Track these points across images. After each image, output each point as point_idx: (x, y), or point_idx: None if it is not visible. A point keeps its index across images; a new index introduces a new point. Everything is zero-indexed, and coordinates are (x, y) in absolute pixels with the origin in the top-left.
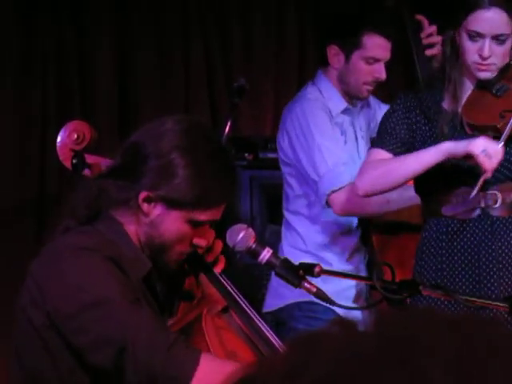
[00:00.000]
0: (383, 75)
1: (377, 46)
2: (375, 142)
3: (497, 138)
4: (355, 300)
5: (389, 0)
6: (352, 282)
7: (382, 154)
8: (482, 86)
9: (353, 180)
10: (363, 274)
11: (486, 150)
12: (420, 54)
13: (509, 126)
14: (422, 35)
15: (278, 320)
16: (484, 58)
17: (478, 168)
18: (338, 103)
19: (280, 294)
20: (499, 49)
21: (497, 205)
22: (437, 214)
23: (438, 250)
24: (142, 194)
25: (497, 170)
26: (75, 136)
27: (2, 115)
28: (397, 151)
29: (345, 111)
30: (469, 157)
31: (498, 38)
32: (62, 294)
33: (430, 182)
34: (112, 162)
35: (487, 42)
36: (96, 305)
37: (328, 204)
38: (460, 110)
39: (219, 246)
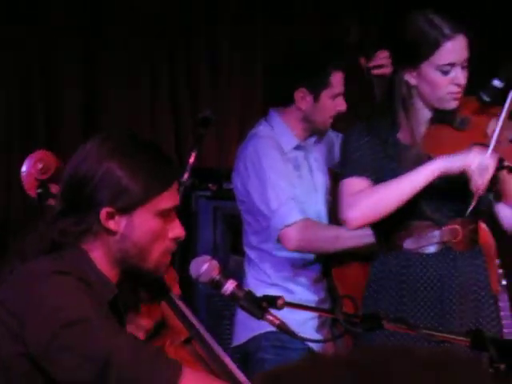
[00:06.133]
0: (345, 107)
1: (340, 81)
2: (345, 173)
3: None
4: (320, 329)
5: (352, 36)
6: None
7: (359, 182)
8: (438, 120)
9: (304, 216)
10: (328, 303)
11: (481, 165)
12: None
13: (496, 132)
14: (369, 65)
15: (246, 352)
16: (460, 86)
17: (439, 201)
18: (290, 140)
19: (247, 326)
20: (464, 73)
21: (458, 239)
22: (397, 248)
23: (399, 285)
24: (102, 214)
25: (461, 207)
26: (40, 166)
27: None
28: (370, 174)
29: (297, 147)
30: (463, 172)
31: (464, 65)
32: (42, 318)
33: (388, 216)
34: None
35: (459, 69)
36: (75, 323)
37: (279, 239)
38: (421, 146)
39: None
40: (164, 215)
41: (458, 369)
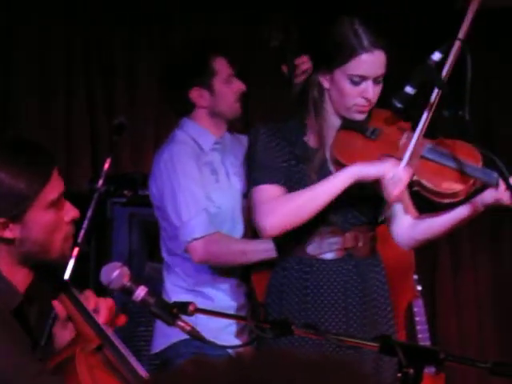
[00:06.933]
0: (243, 86)
1: (225, 64)
2: (256, 180)
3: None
4: (238, 335)
5: (273, 41)
6: None
7: (272, 189)
8: (348, 126)
9: (215, 229)
10: (246, 310)
11: (395, 176)
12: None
13: (410, 146)
14: (297, 72)
15: (165, 359)
16: (369, 100)
17: (342, 207)
18: (208, 138)
19: (166, 333)
20: (377, 89)
21: (359, 245)
22: (299, 253)
23: (302, 290)
24: None
25: (363, 213)
26: None
27: None
28: (282, 181)
29: (215, 147)
30: (377, 181)
31: (377, 79)
32: None
33: None
34: None
35: (370, 84)
36: None
37: (186, 251)
38: (328, 151)
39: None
40: (55, 204)
41: (338, 372)
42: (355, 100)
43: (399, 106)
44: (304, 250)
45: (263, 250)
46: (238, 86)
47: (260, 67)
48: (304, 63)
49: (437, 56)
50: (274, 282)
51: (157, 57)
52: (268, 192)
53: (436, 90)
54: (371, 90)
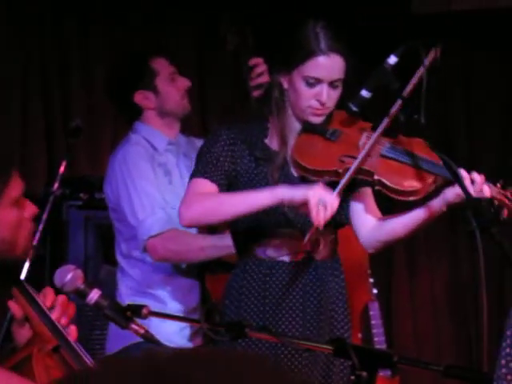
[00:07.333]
0: (187, 82)
1: (164, 63)
2: (198, 171)
3: (336, 182)
4: (192, 338)
5: (229, 45)
6: None
7: (207, 185)
8: (309, 129)
9: (170, 226)
10: (199, 312)
11: (323, 201)
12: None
13: (346, 176)
14: (252, 75)
15: None
16: (323, 104)
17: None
18: (161, 139)
19: (119, 336)
20: (334, 93)
21: (320, 247)
22: (259, 255)
23: (261, 293)
24: None
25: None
26: None
27: None
28: (221, 183)
29: (169, 148)
30: (303, 205)
31: (334, 84)
32: None
33: (248, 223)
34: None
35: (325, 87)
36: None
37: (145, 250)
38: (289, 152)
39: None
40: (17, 202)
41: (255, 368)
42: (309, 102)
43: (355, 109)
44: (264, 251)
45: (221, 246)
46: (182, 82)
47: (216, 67)
48: (259, 66)
49: (393, 59)
50: (233, 283)
51: (114, 57)
52: (200, 185)
53: (397, 100)
54: (325, 94)
